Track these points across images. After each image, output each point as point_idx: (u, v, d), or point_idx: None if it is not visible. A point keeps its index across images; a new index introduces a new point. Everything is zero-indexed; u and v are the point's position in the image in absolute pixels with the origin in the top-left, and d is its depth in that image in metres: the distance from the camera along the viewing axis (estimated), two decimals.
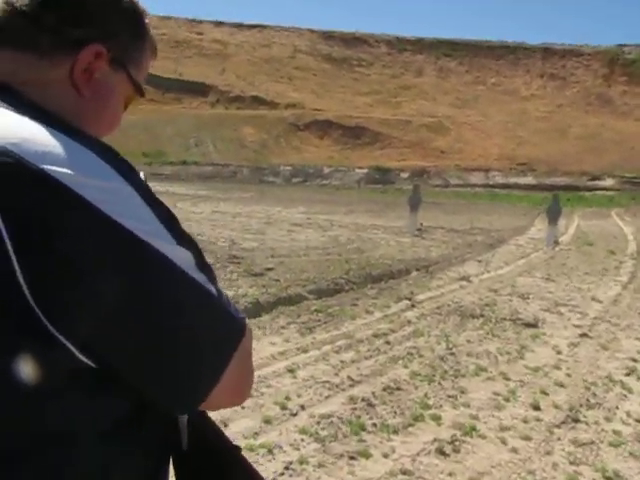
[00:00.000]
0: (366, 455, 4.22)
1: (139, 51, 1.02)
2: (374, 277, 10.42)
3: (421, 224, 18.53)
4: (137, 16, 1.01)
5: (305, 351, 6.34)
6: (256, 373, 5.59)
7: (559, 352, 6.96)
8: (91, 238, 0.75)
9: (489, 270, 12.29)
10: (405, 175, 51.57)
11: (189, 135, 58.21)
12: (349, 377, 5.65)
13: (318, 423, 4.66)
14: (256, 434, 4.43)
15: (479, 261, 13.37)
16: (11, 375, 0.73)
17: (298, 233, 16.22)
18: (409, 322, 7.85)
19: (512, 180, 51.43)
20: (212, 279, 0.87)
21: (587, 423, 5.04)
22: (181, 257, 0.82)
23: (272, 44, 78.78)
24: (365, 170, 51.40)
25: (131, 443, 0.86)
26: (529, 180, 51.61)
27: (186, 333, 0.82)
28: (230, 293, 8.26)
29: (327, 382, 5.52)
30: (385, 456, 4.24)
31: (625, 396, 5.73)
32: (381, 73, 76.77)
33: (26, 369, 0.73)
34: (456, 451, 4.39)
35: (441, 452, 4.34)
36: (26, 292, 0.72)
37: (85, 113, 0.93)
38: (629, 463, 4.43)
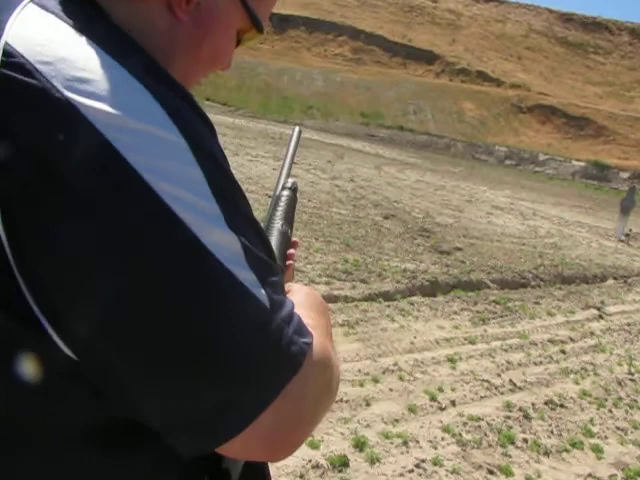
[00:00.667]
0: (507, 472, 3.84)
1: None
2: (565, 278, 9.71)
3: (630, 230, 17.07)
4: None
5: (472, 342, 5.97)
6: (415, 355, 5.34)
7: None
8: (105, 198, 0.58)
9: None
10: (625, 175, 47.92)
11: (409, 101, 58.01)
12: (511, 381, 5.22)
13: (465, 424, 4.32)
14: (396, 421, 4.20)
15: None
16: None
17: (497, 217, 15.52)
18: (592, 334, 7.20)
19: None
20: (274, 285, 0.66)
21: None
22: (223, 245, 0.61)
23: (506, 20, 76.21)
24: (583, 163, 48.31)
25: (124, 459, 0.67)
26: None
27: (206, 350, 0.60)
28: (410, 266, 8.04)
29: (486, 381, 5.13)
30: (528, 478, 3.83)
31: None
32: (617, 64, 71.90)
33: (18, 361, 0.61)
34: None
35: None
36: (10, 260, 0.58)
37: (179, 42, 0.74)
38: None
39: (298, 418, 0.67)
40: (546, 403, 4.94)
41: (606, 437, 4.60)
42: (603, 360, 6.30)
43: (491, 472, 3.80)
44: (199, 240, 0.59)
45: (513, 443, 4.19)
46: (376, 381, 4.73)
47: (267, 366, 0.63)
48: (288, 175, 1.30)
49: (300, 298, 0.83)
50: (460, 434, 4.16)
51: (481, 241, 11.36)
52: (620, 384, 5.69)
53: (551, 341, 6.57)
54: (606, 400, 5.28)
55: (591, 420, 4.81)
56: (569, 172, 47.46)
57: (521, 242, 12.31)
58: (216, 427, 0.62)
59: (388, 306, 6.50)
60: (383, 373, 4.90)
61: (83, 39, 0.63)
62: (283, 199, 1.24)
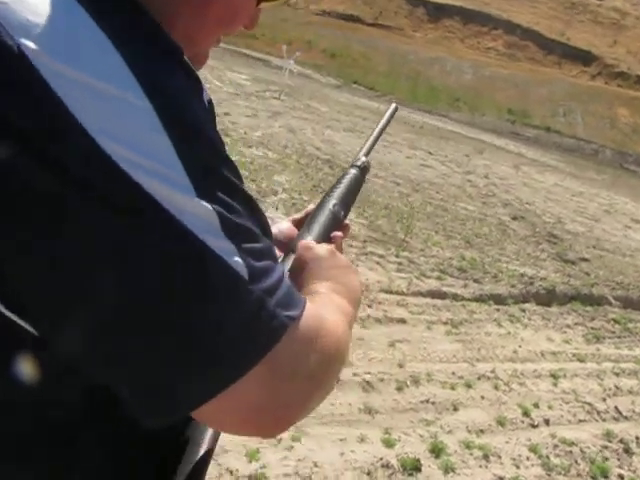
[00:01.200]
0: None
1: None
2: None
3: None
4: None
5: (581, 360, 5.58)
6: (516, 365, 5.06)
7: None
8: (58, 163, 0.52)
9: None
10: None
11: (559, 102, 55.96)
12: (617, 409, 4.81)
13: (555, 447, 4.01)
14: (481, 431, 3.97)
15: None
16: None
17: (635, 231, 14.54)
18: None
19: None
20: (257, 253, 0.60)
21: None
22: (193, 213, 0.56)
23: None
24: None
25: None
26: None
27: (174, 319, 0.56)
28: (529, 271, 7.67)
29: (589, 404, 4.76)
30: None
31: None
32: None
33: None
34: None
35: None
36: None
37: (180, 8, 0.67)
38: None
39: (287, 393, 0.63)
40: None
41: None
42: None
43: None
44: (160, 205, 0.54)
45: (606, 477, 3.84)
46: (469, 386, 4.50)
47: (239, 338, 0.58)
48: (368, 153, 1.21)
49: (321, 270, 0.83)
50: (548, 456, 3.86)
51: (612, 254, 10.68)
52: None
53: None
54: None
55: None
56: None
57: None
58: (181, 393, 0.58)
59: (497, 310, 6.21)
60: (478, 379, 4.67)
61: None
62: (347, 177, 1.15)
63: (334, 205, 1.07)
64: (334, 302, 0.77)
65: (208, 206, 0.57)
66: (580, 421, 4.48)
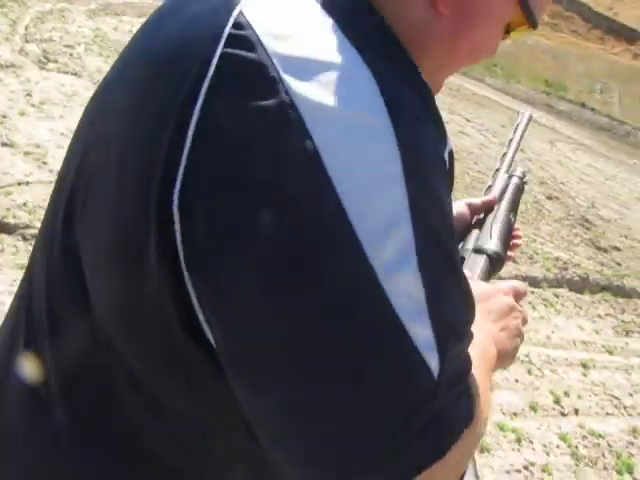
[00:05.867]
0: None
1: None
2: None
3: None
4: None
5: (610, 353, 5.67)
6: (549, 351, 5.16)
7: None
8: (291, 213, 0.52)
9: None
10: None
11: (598, 79, 54.89)
12: None
13: (584, 437, 4.13)
14: (515, 415, 4.09)
15: None
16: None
17: None
18: None
19: None
20: (456, 349, 0.58)
21: None
22: (405, 289, 0.53)
23: None
24: None
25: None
26: None
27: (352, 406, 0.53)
28: (564, 256, 7.71)
29: (617, 399, 4.86)
30: None
31: None
32: None
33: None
34: None
35: None
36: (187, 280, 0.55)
37: (435, 38, 0.67)
38: None
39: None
40: None
41: None
42: None
43: None
44: (377, 280, 0.52)
45: (631, 473, 3.95)
46: (503, 368, 4.60)
47: (409, 445, 0.54)
48: (510, 163, 1.28)
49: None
50: (577, 447, 3.99)
51: None
52: None
53: None
54: None
55: None
56: None
57: None
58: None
59: (532, 292, 6.29)
60: None
61: (326, 17, 0.58)
62: (511, 188, 1.21)
63: (511, 216, 1.12)
64: (486, 381, 0.70)
65: (421, 286, 0.54)
66: (608, 414, 4.59)
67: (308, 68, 0.54)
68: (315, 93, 0.53)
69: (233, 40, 0.56)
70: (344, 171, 0.52)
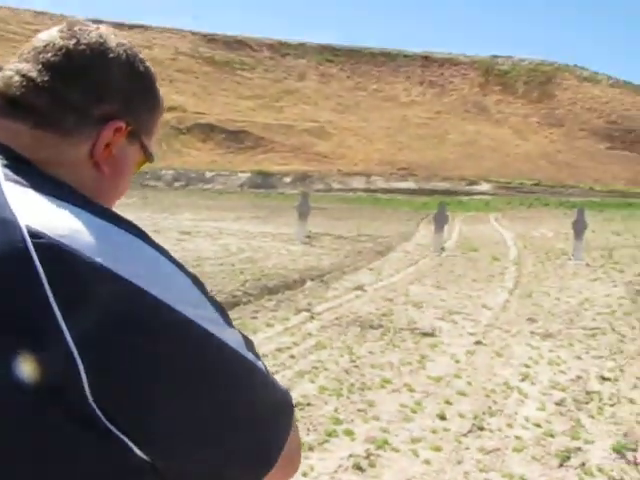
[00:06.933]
0: None
1: (153, 120, 1.01)
2: (270, 288, 10.39)
3: (309, 231, 18.31)
4: (152, 86, 1.00)
5: None
6: None
7: (457, 361, 7.10)
8: (160, 334, 0.74)
9: (381, 279, 12.32)
10: (288, 180, 50.69)
11: None
12: None
13: None
14: None
15: (371, 269, 13.48)
16: (69, 467, 0.71)
17: (188, 242, 16.03)
18: (310, 335, 7.82)
19: (393, 185, 51.05)
20: (257, 355, 0.88)
21: (491, 430, 5.20)
22: (235, 340, 0.83)
23: (153, 45, 75.16)
24: (248, 174, 50.30)
25: None
26: (410, 185, 51.53)
27: (245, 417, 0.82)
28: None
29: None
30: (304, 475, 4.24)
31: (522, 401, 5.92)
32: (263, 77, 75.25)
33: (84, 461, 0.72)
34: (372, 466, 4.49)
35: (358, 467, 4.43)
36: (86, 390, 0.69)
37: (103, 188, 0.92)
38: (532, 466, 4.63)
39: (299, 441, 0.97)
40: (295, 405, 5.37)
41: (352, 420, 5.21)
42: (327, 356, 6.97)
43: None
44: (227, 343, 0.80)
45: None
46: None
47: (284, 405, 0.89)
48: None
49: None
50: None
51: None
52: (348, 372, 6.38)
53: (279, 349, 7.07)
54: (341, 389, 5.89)
55: (336, 409, 5.40)
56: (236, 185, 49.04)
57: (219, 263, 12.79)
58: (262, 461, 0.85)
59: None
60: None
61: (73, 207, 0.78)
62: None
63: None
64: None
65: (235, 331, 0.83)
66: None
67: (95, 245, 0.74)
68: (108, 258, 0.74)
69: (42, 249, 0.71)
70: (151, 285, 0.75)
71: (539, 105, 76.66)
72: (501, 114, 74.37)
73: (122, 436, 0.71)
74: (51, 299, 0.69)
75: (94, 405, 0.69)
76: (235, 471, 0.83)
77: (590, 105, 76.46)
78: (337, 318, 8.73)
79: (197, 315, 0.77)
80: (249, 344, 0.85)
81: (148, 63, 0.99)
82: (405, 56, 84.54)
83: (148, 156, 1.00)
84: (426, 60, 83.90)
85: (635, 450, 4.95)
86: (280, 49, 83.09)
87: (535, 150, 64.48)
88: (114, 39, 0.94)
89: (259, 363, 0.85)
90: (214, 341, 0.78)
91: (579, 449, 4.92)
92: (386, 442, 4.83)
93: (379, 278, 12.43)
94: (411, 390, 6.01)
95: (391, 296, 10.65)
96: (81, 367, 0.69)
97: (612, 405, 5.89)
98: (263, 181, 50.17)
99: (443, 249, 17.34)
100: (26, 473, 0.69)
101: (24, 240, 0.71)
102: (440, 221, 17.50)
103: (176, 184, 48.23)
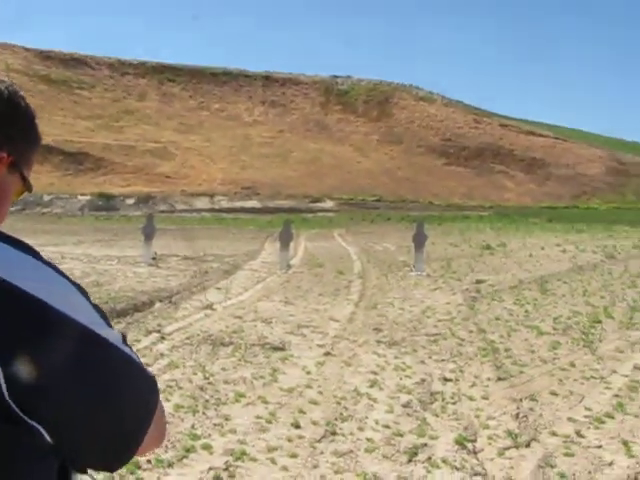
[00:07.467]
0: None
1: (32, 152, 1.13)
2: (119, 311, 10.30)
3: (155, 253, 18.46)
4: (32, 121, 1.13)
5: None
6: None
7: (308, 372, 7.35)
8: (59, 339, 0.87)
9: (230, 297, 12.53)
10: (130, 201, 50.74)
11: None
12: None
13: None
14: None
15: (218, 288, 13.65)
16: None
17: None
18: (162, 355, 7.84)
19: (238, 204, 52.34)
20: (131, 347, 1.02)
21: (344, 434, 5.45)
22: (115, 337, 0.97)
23: None
24: (88, 197, 49.72)
25: None
26: (254, 204, 52.98)
27: (126, 399, 0.97)
28: None
29: None
30: None
31: (372, 406, 6.23)
32: (103, 97, 74.67)
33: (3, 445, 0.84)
34: (232, 477, 4.58)
35: (218, 479, 4.53)
36: (5, 393, 0.82)
37: None
38: (383, 464, 4.92)
39: (164, 414, 1.09)
40: None
41: (209, 435, 5.28)
42: (180, 374, 7.02)
43: None
44: (110, 342, 0.95)
45: (139, 467, 4.56)
46: None
47: (151, 389, 1.03)
48: None
49: None
50: None
51: None
52: (202, 389, 6.42)
53: None
54: (197, 406, 5.93)
55: (192, 426, 5.45)
56: (77, 208, 48.37)
57: None
58: (134, 441, 0.99)
59: None
60: None
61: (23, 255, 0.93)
62: None
63: None
64: None
65: (112, 329, 0.98)
66: None
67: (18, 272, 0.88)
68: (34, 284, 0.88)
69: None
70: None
71: (378, 123, 79.75)
72: (342, 132, 76.61)
73: (35, 424, 0.86)
74: None
75: (10, 402, 0.83)
76: (117, 443, 0.98)
77: (426, 123, 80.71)
78: (188, 337, 8.73)
79: (86, 320, 0.92)
80: (124, 339, 1.01)
81: (27, 100, 1.10)
82: (246, 76, 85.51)
83: (27, 186, 1.12)
84: (267, 80, 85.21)
85: (474, 441, 5.36)
86: (120, 68, 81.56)
87: (376, 167, 66.86)
88: None
89: (133, 354, 1.00)
90: (100, 340, 0.93)
91: (425, 445, 5.28)
92: (244, 453, 4.95)
93: (227, 296, 12.47)
94: (265, 402, 6.15)
95: (240, 313, 10.76)
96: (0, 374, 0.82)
97: (454, 403, 6.33)
98: (105, 203, 49.06)
99: (289, 266, 17.53)
100: None
101: None
102: (285, 239, 17.65)
103: (12, 208, 45.39)
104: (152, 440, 1.04)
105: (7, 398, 0.82)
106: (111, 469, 1.01)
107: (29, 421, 0.85)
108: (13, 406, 0.83)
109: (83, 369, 0.90)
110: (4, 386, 0.82)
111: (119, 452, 0.99)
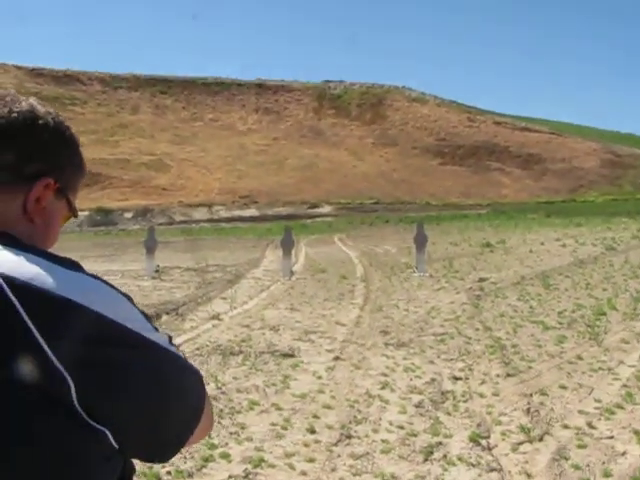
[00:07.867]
0: None
1: (77, 179, 1.18)
2: None
3: (158, 266, 18.52)
4: (77, 149, 1.17)
5: None
6: None
7: (319, 377, 7.43)
8: (119, 347, 0.94)
9: (235, 306, 12.58)
10: (129, 215, 51.05)
11: None
12: None
13: None
14: None
15: (224, 298, 13.70)
16: (59, 461, 0.90)
17: None
18: None
19: (236, 213, 52.57)
20: (176, 346, 1.08)
21: (359, 437, 5.52)
22: (164, 340, 1.03)
23: None
24: (86, 212, 49.11)
25: None
26: (252, 212, 53.21)
27: (181, 396, 1.04)
28: None
29: None
30: None
31: (384, 407, 6.30)
32: (96, 112, 75.09)
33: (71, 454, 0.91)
34: None
35: None
36: (75, 400, 0.88)
37: (36, 237, 1.07)
38: (400, 464, 4.98)
39: (211, 405, 1.17)
40: None
41: (227, 444, 5.33)
42: None
43: None
44: (161, 345, 1.01)
45: (160, 478, 4.71)
46: None
47: (200, 382, 1.10)
48: None
49: None
50: None
51: None
52: (216, 399, 6.36)
53: None
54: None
55: (209, 435, 5.32)
56: (75, 224, 45.42)
57: None
58: (187, 433, 1.07)
59: None
60: None
61: (29, 255, 0.96)
62: None
63: None
64: None
65: (160, 332, 1.03)
66: None
67: (55, 282, 0.92)
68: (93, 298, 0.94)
69: (17, 289, 0.89)
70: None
71: (373, 126, 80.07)
72: (337, 137, 77.01)
73: (102, 428, 0.91)
74: (31, 326, 0.87)
75: (79, 408, 0.89)
76: (174, 438, 1.06)
77: (420, 124, 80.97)
78: (197, 348, 8.79)
79: (139, 327, 0.97)
80: (170, 340, 1.07)
81: (73, 130, 1.17)
82: (239, 85, 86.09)
83: (73, 211, 1.18)
84: (260, 88, 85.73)
85: (488, 437, 5.44)
86: (112, 82, 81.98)
87: (372, 170, 67.03)
88: (42, 108, 1.11)
89: (179, 353, 1.06)
90: (153, 345, 0.99)
91: (440, 443, 5.35)
92: (262, 460, 5.01)
93: (233, 306, 12.52)
94: (279, 409, 6.22)
95: (247, 322, 10.83)
96: (70, 382, 0.87)
97: (465, 401, 6.40)
98: (103, 218, 49.22)
99: (292, 273, 17.55)
100: (32, 457, 0.89)
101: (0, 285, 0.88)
102: (287, 245, 17.66)
103: None
104: (204, 429, 1.12)
105: (76, 405, 0.88)
106: (165, 460, 1.09)
107: (97, 426, 0.90)
108: (82, 412, 0.89)
109: (141, 373, 0.96)
110: (75, 395, 0.88)
111: (175, 445, 1.06)
